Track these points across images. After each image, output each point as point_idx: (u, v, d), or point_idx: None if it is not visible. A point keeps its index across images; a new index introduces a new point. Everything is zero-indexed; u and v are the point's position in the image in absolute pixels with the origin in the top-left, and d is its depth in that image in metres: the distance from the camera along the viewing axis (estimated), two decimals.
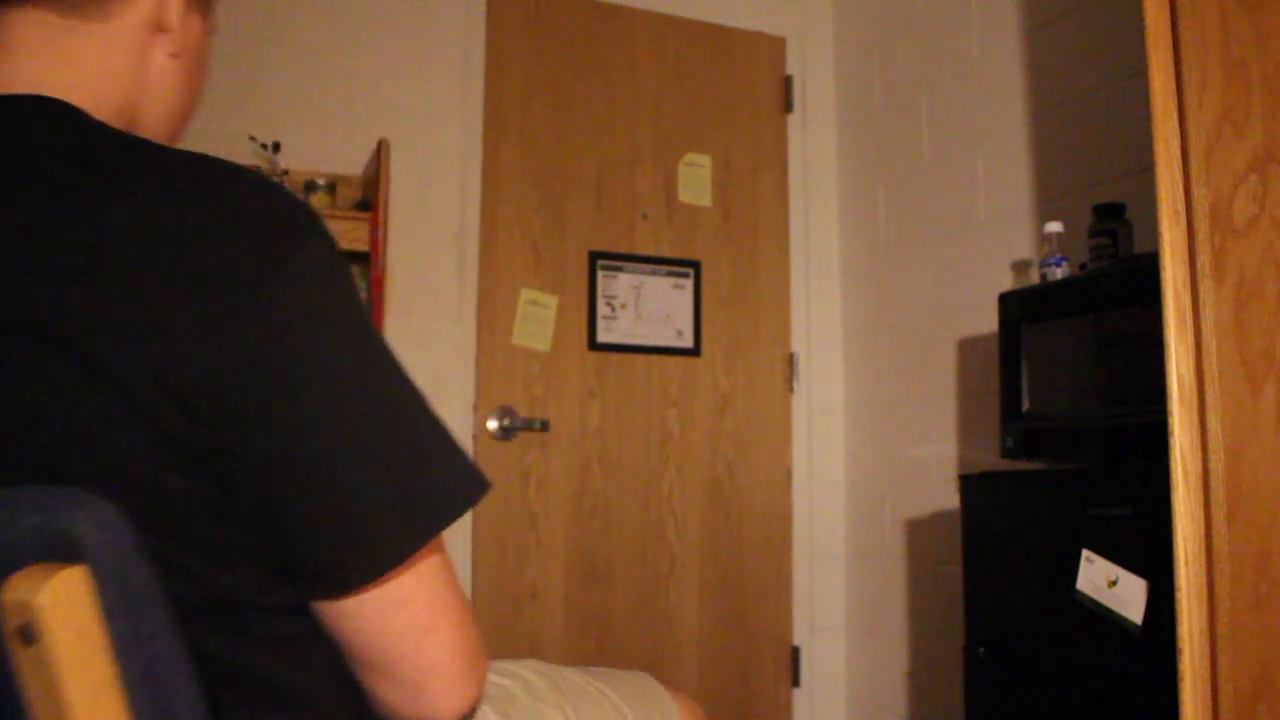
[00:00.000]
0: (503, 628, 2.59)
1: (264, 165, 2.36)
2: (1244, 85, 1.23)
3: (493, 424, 2.65)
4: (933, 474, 2.66)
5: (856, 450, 3.00)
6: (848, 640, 2.97)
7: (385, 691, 0.71)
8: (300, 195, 2.37)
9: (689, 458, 2.88)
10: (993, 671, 1.85)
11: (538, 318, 2.72)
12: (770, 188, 3.08)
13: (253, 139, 2.39)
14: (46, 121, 0.68)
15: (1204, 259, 1.23)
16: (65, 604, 0.56)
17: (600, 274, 2.83)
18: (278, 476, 0.63)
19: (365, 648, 0.69)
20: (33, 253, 0.61)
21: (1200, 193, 1.23)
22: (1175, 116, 1.26)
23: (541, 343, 2.73)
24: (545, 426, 2.69)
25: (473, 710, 0.75)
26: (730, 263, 3.00)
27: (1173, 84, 1.26)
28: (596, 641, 2.70)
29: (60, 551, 0.57)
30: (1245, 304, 1.20)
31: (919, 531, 2.71)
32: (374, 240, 2.31)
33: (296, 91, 2.55)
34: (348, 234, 2.33)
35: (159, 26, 0.76)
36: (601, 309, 2.82)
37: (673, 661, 2.78)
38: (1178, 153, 1.25)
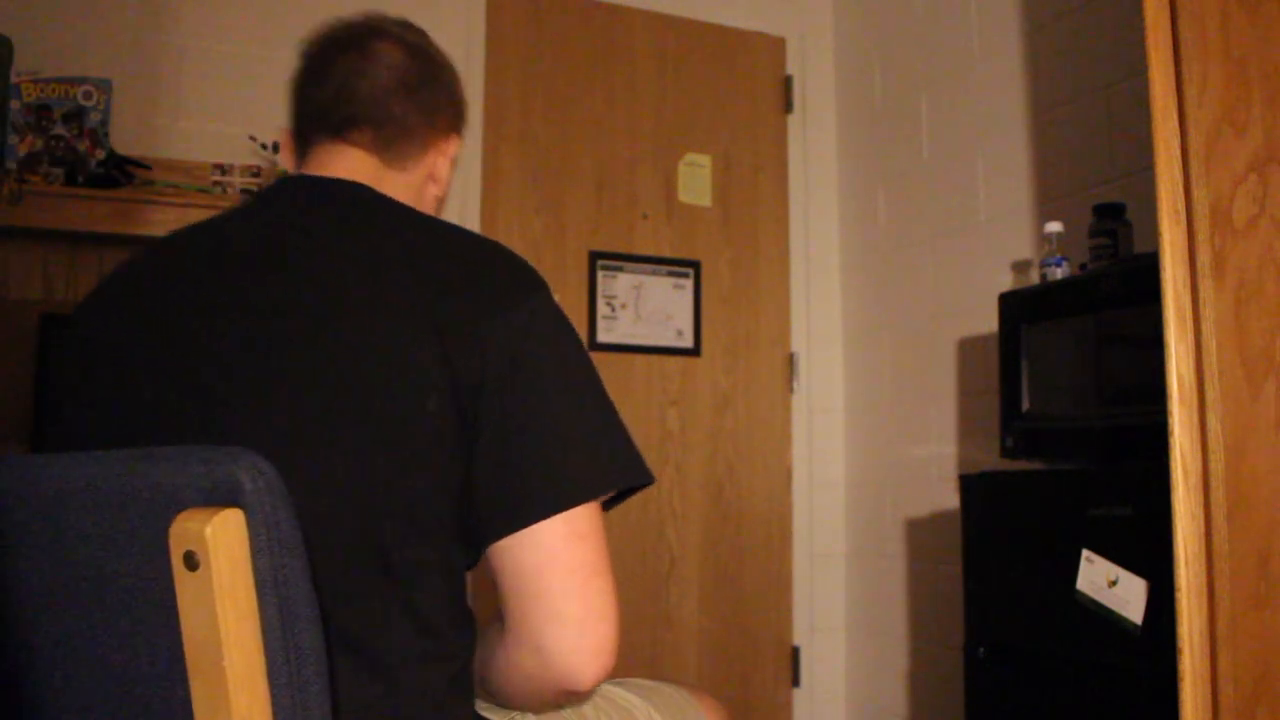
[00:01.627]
0: None
1: (264, 165, 2.36)
2: (1244, 85, 1.23)
3: None
4: (933, 474, 2.66)
5: (856, 450, 3.00)
6: (848, 640, 2.97)
7: (548, 633, 0.84)
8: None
9: (689, 458, 2.88)
10: (993, 671, 1.85)
11: None
12: (770, 188, 3.08)
13: (253, 139, 2.38)
14: (378, 205, 0.98)
15: (1204, 259, 1.23)
16: (225, 537, 0.67)
17: (600, 274, 2.83)
18: (512, 420, 0.85)
19: (542, 576, 0.84)
20: (414, 268, 0.89)
21: (1200, 193, 1.23)
22: (1175, 116, 1.26)
23: None
24: None
25: (601, 682, 0.88)
26: (730, 263, 3.00)
27: (1173, 84, 1.26)
28: None
29: (223, 496, 0.69)
30: (1245, 304, 1.20)
31: (919, 531, 2.71)
32: None
33: None
34: None
35: (433, 178, 1.11)
36: (601, 309, 2.82)
37: (673, 661, 2.78)
38: (1178, 153, 1.25)
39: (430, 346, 0.84)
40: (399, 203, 0.99)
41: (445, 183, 1.13)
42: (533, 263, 1.03)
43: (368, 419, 0.83)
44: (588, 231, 2.84)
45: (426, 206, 1.10)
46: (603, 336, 2.81)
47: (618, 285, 2.85)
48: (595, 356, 2.91)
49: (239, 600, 0.68)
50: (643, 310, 2.87)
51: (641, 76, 2.96)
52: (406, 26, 1.10)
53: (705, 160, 3.00)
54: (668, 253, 2.93)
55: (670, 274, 2.92)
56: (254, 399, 0.85)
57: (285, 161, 1.13)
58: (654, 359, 2.87)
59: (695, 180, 2.99)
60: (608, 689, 1.13)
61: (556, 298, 0.98)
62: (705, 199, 2.99)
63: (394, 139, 1.05)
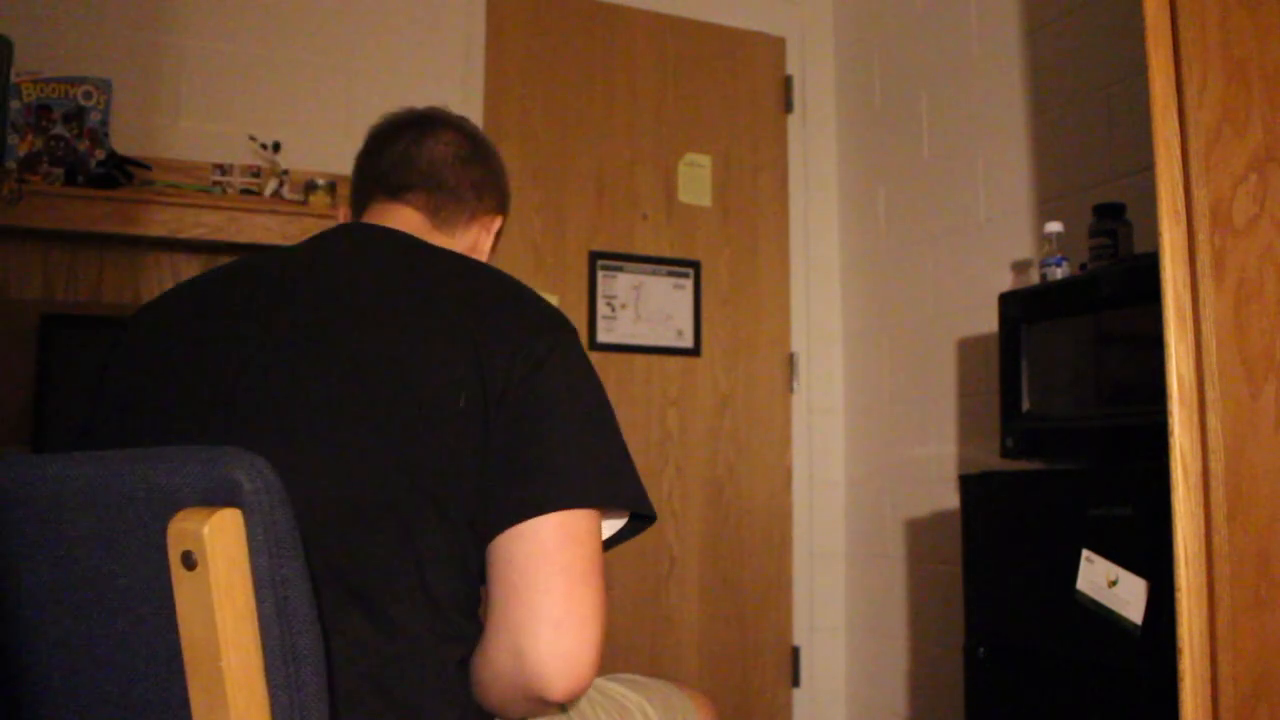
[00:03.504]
0: None
1: (264, 165, 2.36)
2: (1244, 85, 1.23)
3: None
4: (933, 474, 2.66)
5: (856, 450, 3.00)
6: (848, 640, 2.97)
7: (526, 631, 0.85)
8: (300, 195, 2.38)
9: (689, 458, 2.88)
10: (993, 671, 1.85)
11: None
12: (770, 188, 3.08)
13: (253, 139, 2.38)
14: (421, 245, 1.07)
15: (1204, 259, 1.23)
16: (223, 537, 0.67)
17: (600, 274, 2.83)
18: (526, 425, 0.89)
19: (529, 570, 0.86)
20: (455, 294, 0.97)
21: (1200, 193, 1.23)
22: (1175, 116, 1.26)
23: None
24: None
25: (578, 697, 0.89)
26: (730, 263, 3.00)
27: (1173, 84, 1.26)
28: None
29: (221, 496, 0.69)
30: (1245, 304, 1.20)
31: (919, 531, 2.71)
32: None
33: (296, 91, 2.55)
34: None
35: (476, 249, 1.20)
36: (601, 309, 2.82)
37: (672, 661, 2.78)
38: (1178, 153, 1.25)
39: (466, 353, 0.91)
40: (443, 247, 1.06)
41: (485, 257, 1.22)
42: (532, 262, 1.07)
43: (403, 405, 0.88)
44: (588, 231, 2.84)
45: None
46: (603, 336, 2.81)
47: (618, 285, 2.85)
48: (595, 357, 2.87)
49: (236, 601, 0.68)
50: (643, 310, 2.87)
51: (641, 76, 2.96)
52: (464, 119, 1.23)
53: (705, 160, 3.00)
54: (668, 253, 2.93)
55: (670, 274, 2.92)
56: (289, 387, 0.91)
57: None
58: (654, 359, 2.87)
59: (695, 180, 2.98)
60: (599, 683, 1.14)
61: (556, 299, 1.01)
62: (705, 199, 2.99)
63: (444, 204, 1.15)
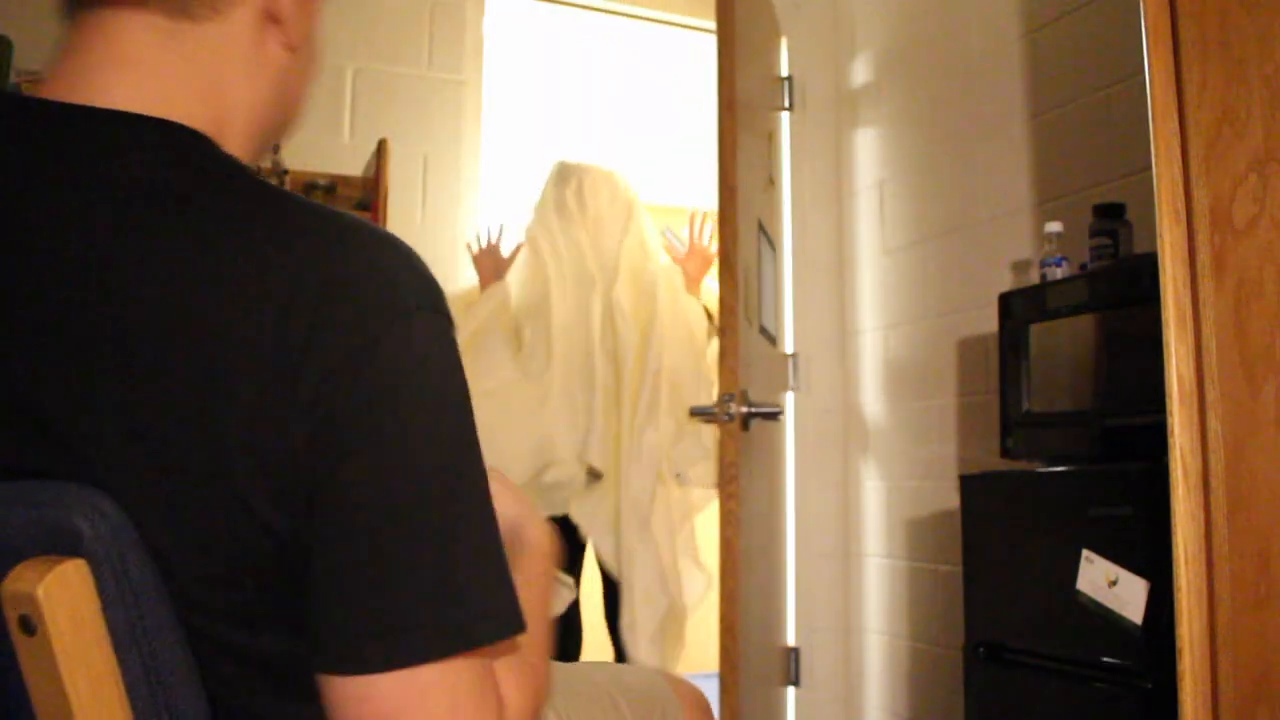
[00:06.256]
0: None
1: (264, 165, 2.36)
2: (1244, 85, 1.23)
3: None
4: (933, 474, 2.66)
5: (856, 450, 3.00)
6: (848, 640, 2.97)
7: None
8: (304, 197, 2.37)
9: None
10: (993, 671, 1.85)
11: None
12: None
13: None
14: (174, 152, 0.65)
15: (1204, 259, 1.23)
16: (64, 595, 0.58)
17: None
18: (330, 548, 0.62)
19: None
20: (165, 287, 0.60)
21: (1200, 193, 1.23)
22: (1175, 116, 1.26)
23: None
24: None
25: None
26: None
27: (1173, 84, 1.26)
28: None
29: (61, 545, 0.59)
30: (1245, 304, 1.20)
31: (919, 531, 2.70)
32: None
33: None
34: None
35: (272, 17, 0.72)
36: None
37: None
38: (1178, 153, 1.25)
39: (234, 403, 0.60)
40: (201, 178, 0.65)
41: (299, 24, 0.74)
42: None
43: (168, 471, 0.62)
44: None
45: (274, 73, 0.74)
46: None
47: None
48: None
49: (92, 665, 0.59)
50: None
51: None
52: None
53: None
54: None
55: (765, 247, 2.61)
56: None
57: None
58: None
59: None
60: (583, 669, 1.09)
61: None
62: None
63: None
